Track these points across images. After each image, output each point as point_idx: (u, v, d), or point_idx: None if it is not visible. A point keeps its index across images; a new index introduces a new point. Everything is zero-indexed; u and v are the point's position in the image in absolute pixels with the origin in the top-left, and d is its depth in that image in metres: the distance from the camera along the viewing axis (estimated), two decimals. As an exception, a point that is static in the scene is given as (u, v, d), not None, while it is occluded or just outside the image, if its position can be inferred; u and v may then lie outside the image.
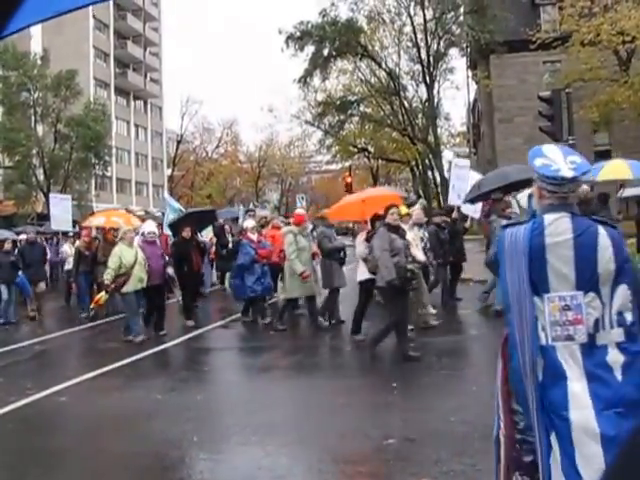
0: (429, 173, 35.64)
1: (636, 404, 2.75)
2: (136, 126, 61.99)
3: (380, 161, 45.54)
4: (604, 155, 30.97)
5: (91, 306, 11.94)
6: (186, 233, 12.24)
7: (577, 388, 2.77)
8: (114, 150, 44.34)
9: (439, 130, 35.89)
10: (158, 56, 65.97)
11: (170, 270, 11.63)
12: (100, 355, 9.74)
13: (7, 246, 14.15)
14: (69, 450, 5.73)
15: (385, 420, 5.92)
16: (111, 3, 57.23)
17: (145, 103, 64.34)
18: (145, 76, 62.68)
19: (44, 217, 27.86)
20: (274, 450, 5.41)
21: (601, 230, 2.86)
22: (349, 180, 37.28)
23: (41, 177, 37.51)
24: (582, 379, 2.77)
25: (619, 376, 2.76)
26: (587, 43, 26.04)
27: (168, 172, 64.82)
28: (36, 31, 46.45)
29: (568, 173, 2.88)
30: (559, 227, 2.88)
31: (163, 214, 18.15)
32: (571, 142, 15.93)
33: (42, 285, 14.88)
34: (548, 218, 2.91)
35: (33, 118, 37.96)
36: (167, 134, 67.62)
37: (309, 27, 32.29)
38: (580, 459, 2.72)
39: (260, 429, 5.91)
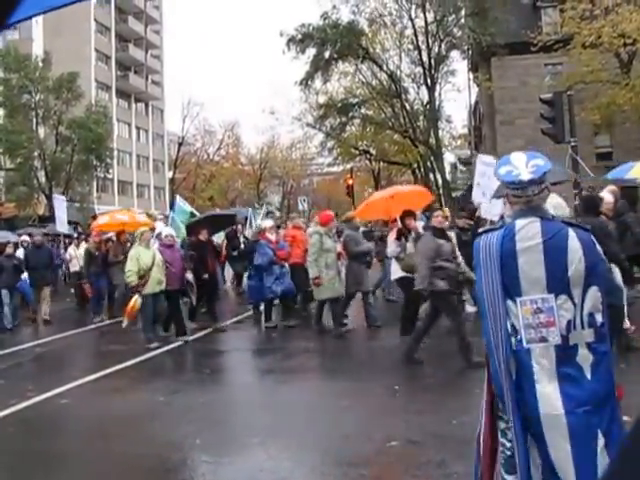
0: (431, 175, 35.57)
1: (603, 401, 2.88)
2: (137, 128, 62.04)
3: (382, 163, 45.45)
4: (605, 157, 30.97)
5: (125, 319, 10.62)
6: (203, 235, 12.02)
7: (548, 389, 2.86)
8: (115, 152, 44.34)
9: (440, 132, 35.83)
10: (159, 58, 66.05)
11: (189, 275, 11.36)
12: (102, 357, 9.76)
13: (9, 250, 13.88)
14: (71, 453, 5.73)
15: (387, 422, 5.92)
16: (112, 6, 57.35)
17: (146, 105, 64.41)
18: (146, 78, 62.75)
19: (46, 219, 27.88)
20: (276, 453, 5.40)
21: (571, 233, 2.94)
22: (351, 182, 37.26)
23: (42, 179, 37.52)
24: (554, 380, 2.86)
25: (588, 375, 2.85)
26: (588, 45, 26.03)
27: (169, 174, 64.79)
28: (38, 34, 46.58)
29: (526, 176, 2.96)
30: (529, 231, 2.95)
31: (166, 216, 17.88)
32: (573, 144, 15.97)
33: (47, 290, 14.35)
34: (518, 223, 2.99)
35: (34, 120, 37.97)
36: (168, 136, 67.63)
37: (310, 30, 32.25)
38: (555, 458, 2.85)
39: (263, 431, 5.91)
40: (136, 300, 10.21)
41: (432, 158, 33.73)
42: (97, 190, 48.17)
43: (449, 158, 40.29)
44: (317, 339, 10.39)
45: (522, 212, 3.03)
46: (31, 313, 14.25)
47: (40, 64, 37.62)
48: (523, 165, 3.03)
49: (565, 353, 2.88)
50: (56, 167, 37.48)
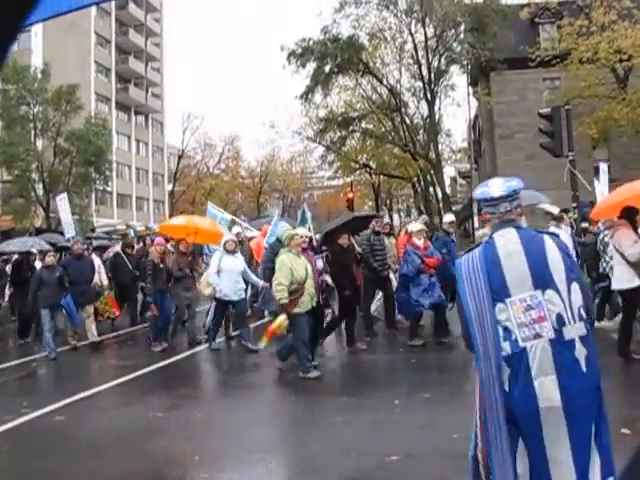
0: (431, 189, 35.64)
1: (596, 391, 3.07)
2: (137, 141, 62.14)
3: (382, 177, 45.53)
4: (604, 171, 31.05)
5: (264, 341, 8.94)
6: (343, 240, 10.53)
7: (547, 382, 2.97)
8: (115, 165, 44.32)
9: (440, 146, 35.92)
10: (160, 71, 66.24)
11: (328, 277, 10.06)
12: (98, 373, 9.67)
13: (50, 259, 11.67)
14: (67, 470, 5.63)
15: (387, 437, 5.88)
16: (113, 18, 57.59)
17: (146, 118, 64.53)
18: (146, 91, 62.90)
19: (42, 232, 27.72)
20: (276, 468, 5.37)
21: (546, 238, 3.22)
22: (351, 196, 37.33)
23: (40, 192, 37.44)
24: (552, 373, 2.98)
25: (584, 368, 3.02)
26: (585, 61, 26.26)
27: (169, 187, 64.84)
28: (37, 45, 46.68)
29: (496, 193, 3.30)
30: (508, 239, 3.21)
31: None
32: (571, 158, 16.02)
33: (90, 309, 12.08)
34: (497, 234, 3.27)
35: (33, 132, 37.93)
36: (168, 149, 67.74)
37: (311, 44, 32.39)
38: (550, 452, 2.95)
39: (261, 447, 5.86)
40: (281, 322, 8.45)
41: (432, 172, 33.82)
42: (96, 203, 48.15)
43: (449, 172, 40.39)
44: (321, 354, 10.24)
45: (498, 226, 3.30)
46: (73, 337, 11.85)
47: (39, 75, 37.62)
48: (497, 186, 3.36)
49: (562, 347, 3.01)
50: (54, 179, 37.37)
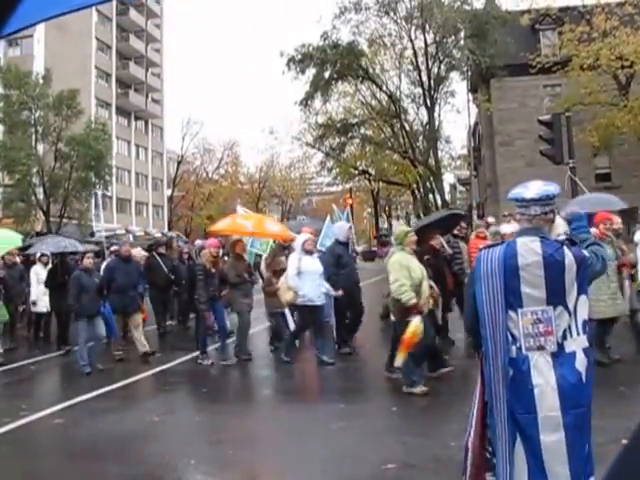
0: (430, 196, 35.63)
1: (590, 402, 3.17)
2: (137, 146, 62.13)
3: (381, 183, 45.61)
4: (604, 178, 31.06)
5: (400, 356, 7.21)
6: (436, 241, 9.82)
7: (546, 392, 3.07)
8: (114, 170, 44.31)
9: (440, 153, 36.02)
10: (160, 77, 66.29)
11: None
12: (97, 376, 9.58)
13: (89, 261, 10.40)
14: (64, 473, 5.62)
15: (384, 445, 5.82)
16: (114, 24, 57.69)
17: (146, 123, 64.55)
18: (147, 96, 62.94)
19: (43, 235, 27.69)
20: (271, 474, 5.32)
21: (567, 252, 3.20)
22: (350, 202, 37.30)
23: (41, 196, 37.48)
24: (553, 384, 3.07)
25: (584, 379, 3.12)
26: (586, 67, 26.24)
27: (168, 192, 64.85)
28: (39, 51, 46.77)
29: (528, 195, 3.31)
30: (530, 249, 3.21)
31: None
32: (571, 165, 15.99)
33: (138, 318, 10.79)
34: (520, 241, 3.27)
35: (34, 137, 37.98)
36: (168, 154, 67.75)
37: (310, 50, 32.44)
38: (546, 458, 3.04)
39: (257, 453, 5.83)
40: (416, 327, 7.16)
41: (431, 178, 33.83)
42: (95, 207, 48.08)
43: (448, 179, 40.42)
44: (312, 361, 10.19)
45: (524, 231, 3.32)
46: (117, 349, 10.94)
47: (40, 81, 37.71)
48: (534, 188, 3.35)
49: (564, 359, 3.11)
50: (54, 184, 37.43)
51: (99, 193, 26.78)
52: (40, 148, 38.47)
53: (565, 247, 3.24)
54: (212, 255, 10.38)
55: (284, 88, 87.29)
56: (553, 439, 3.04)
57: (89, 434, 6.68)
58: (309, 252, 9.85)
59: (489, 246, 3.43)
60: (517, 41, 29.72)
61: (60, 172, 37.76)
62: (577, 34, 26.52)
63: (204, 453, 5.91)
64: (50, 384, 10.14)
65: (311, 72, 33.16)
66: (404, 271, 7.43)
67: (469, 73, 33.51)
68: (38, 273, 12.99)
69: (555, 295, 3.15)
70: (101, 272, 11.56)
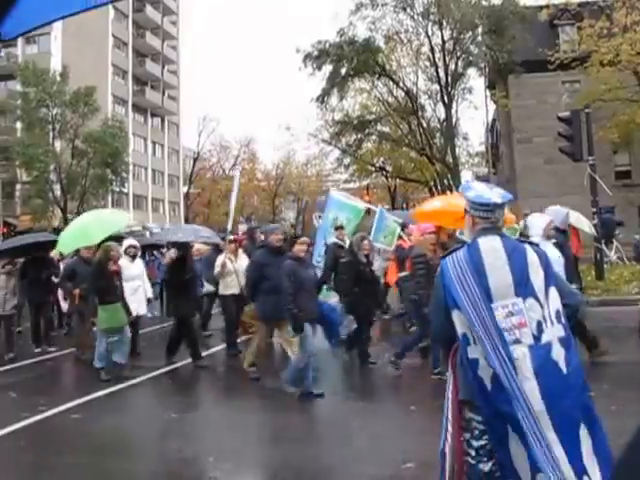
0: (447, 193, 35.42)
1: (580, 391, 3.16)
2: (153, 143, 62.47)
3: (398, 180, 45.45)
4: (624, 175, 30.76)
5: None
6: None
7: (528, 387, 3.04)
8: (131, 167, 44.58)
9: (457, 150, 35.74)
10: (176, 74, 66.57)
11: None
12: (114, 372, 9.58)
13: (301, 248, 8.07)
14: (82, 468, 5.62)
15: (403, 444, 5.78)
16: (130, 21, 57.96)
17: (162, 120, 64.86)
18: (163, 93, 63.24)
19: (60, 232, 27.85)
20: (292, 472, 5.28)
21: (527, 247, 3.35)
22: (367, 199, 37.19)
23: (58, 192, 37.78)
24: (532, 378, 3.05)
25: (564, 368, 3.10)
26: (606, 63, 25.86)
27: (184, 189, 65.11)
28: (56, 48, 47.14)
29: (498, 200, 3.41)
30: (493, 247, 3.31)
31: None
32: (591, 162, 15.82)
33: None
34: (481, 241, 3.34)
35: (51, 134, 38.30)
36: (184, 151, 68.03)
37: (327, 46, 32.31)
38: (538, 451, 3.01)
39: (278, 450, 5.80)
40: None
41: (449, 176, 33.60)
42: (112, 204, 48.40)
43: (466, 176, 40.00)
44: (332, 360, 10.08)
45: (484, 231, 3.38)
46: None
47: (58, 78, 37.98)
48: (488, 191, 3.49)
49: (540, 351, 3.10)
50: (72, 181, 37.75)
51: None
52: (57, 145, 38.79)
53: (524, 244, 3.41)
54: (432, 243, 8.58)
55: (300, 85, 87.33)
56: (544, 432, 3.02)
57: (107, 430, 6.72)
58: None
59: (450, 252, 3.46)
60: (535, 37, 29.37)
61: (77, 169, 38.08)
62: (597, 29, 26.11)
63: (223, 450, 5.90)
64: (68, 380, 10.24)
65: (327, 69, 33.04)
66: None
67: (487, 69, 33.26)
68: (127, 268, 10.48)
69: (522, 286, 3.20)
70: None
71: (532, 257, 3.29)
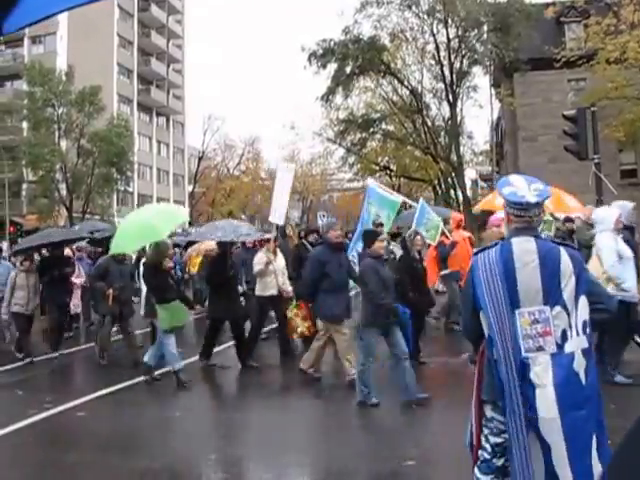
0: (451, 192, 35.36)
1: (595, 404, 3.15)
2: (158, 142, 62.54)
3: (402, 179, 45.35)
4: (630, 174, 30.64)
5: None
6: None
7: (546, 394, 3.05)
8: (136, 166, 44.67)
9: (462, 149, 35.65)
10: (181, 73, 66.63)
11: None
12: (120, 370, 9.60)
13: (381, 245, 7.53)
14: (86, 465, 5.67)
15: (404, 442, 5.81)
16: (135, 20, 58.04)
17: (167, 119, 64.93)
18: (168, 92, 63.30)
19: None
20: (291, 470, 5.30)
21: (562, 250, 3.24)
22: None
23: (64, 192, 37.88)
24: (550, 385, 3.05)
25: (584, 380, 3.09)
26: (613, 61, 25.72)
27: (189, 188, 65.18)
28: (62, 48, 47.25)
29: (532, 199, 3.27)
30: (525, 249, 3.23)
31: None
32: (596, 161, 15.76)
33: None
34: (515, 241, 3.28)
35: (57, 133, 38.43)
36: (189, 150, 68.10)
37: (332, 45, 32.24)
38: (554, 457, 3.04)
39: (277, 449, 5.81)
40: None
41: (453, 174, 33.54)
42: (117, 203, 48.51)
43: (470, 174, 39.87)
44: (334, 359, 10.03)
45: (519, 231, 3.30)
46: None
47: (63, 78, 38.08)
48: (526, 187, 3.33)
49: (562, 360, 3.09)
50: (77, 180, 37.88)
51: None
52: (63, 145, 38.91)
53: (560, 247, 3.29)
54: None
55: (305, 83, 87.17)
56: (555, 440, 3.04)
57: (111, 427, 6.78)
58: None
59: (483, 249, 3.41)
60: (541, 34, 29.23)
61: (83, 168, 38.20)
62: (603, 27, 25.94)
63: (224, 448, 5.92)
64: (74, 378, 10.31)
65: (332, 67, 32.97)
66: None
67: (492, 68, 33.14)
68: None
69: (552, 294, 3.14)
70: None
71: (565, 262, 3.20)
